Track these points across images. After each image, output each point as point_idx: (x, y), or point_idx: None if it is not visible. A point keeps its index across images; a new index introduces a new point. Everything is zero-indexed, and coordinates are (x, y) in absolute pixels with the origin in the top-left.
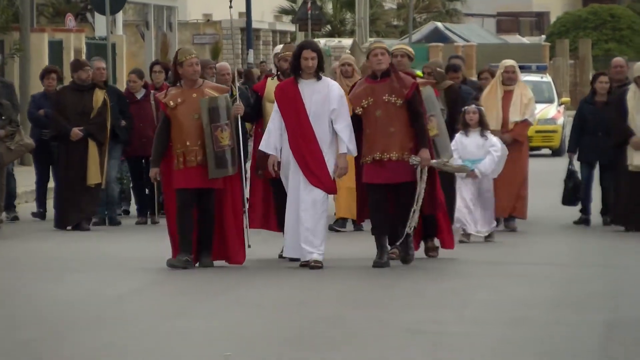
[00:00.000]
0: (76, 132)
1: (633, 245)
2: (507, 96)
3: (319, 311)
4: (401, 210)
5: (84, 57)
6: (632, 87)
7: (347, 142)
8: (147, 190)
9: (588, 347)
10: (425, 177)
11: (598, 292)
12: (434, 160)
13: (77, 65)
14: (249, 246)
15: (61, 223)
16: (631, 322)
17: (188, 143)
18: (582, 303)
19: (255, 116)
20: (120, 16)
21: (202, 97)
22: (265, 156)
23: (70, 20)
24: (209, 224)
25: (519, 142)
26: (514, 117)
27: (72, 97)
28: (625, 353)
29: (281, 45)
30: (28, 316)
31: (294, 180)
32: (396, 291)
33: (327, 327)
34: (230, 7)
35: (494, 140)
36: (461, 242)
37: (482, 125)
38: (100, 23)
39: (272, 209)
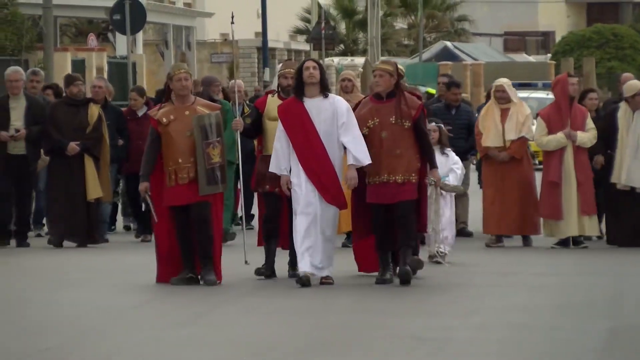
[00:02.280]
0: (73, 146)
1: (632, 254)
2: (504, 114)
3: (328, 319)
4: (400, 224)
5: (105, 75)
6: (622, 106)
7: (355, 152)
8: (143, 207)
9: (590, 353)
10: (438, 196)
11: (600, 300)
12: (431, 178)
13: (68, 80)
14: (247, 262)
15: (60, 239)
16: (633, 329)
17: (180, 160)
18: (584, 310)
19: (255, 133)
20: (140, 36)
21: (195, 114)
22: (265, 175)
23: (92, 40)
24: (208, 235)
25: (517, 160)
26: (510, 135)
27: (67, 112)
28: (627, 356)
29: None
30: (38, 326)
31: (309, 197)
32: (403, 299)
33: (335, 334)
34: (232, 22)
35: (455, 157)
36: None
37: (442, 142)
38: (121, 43)
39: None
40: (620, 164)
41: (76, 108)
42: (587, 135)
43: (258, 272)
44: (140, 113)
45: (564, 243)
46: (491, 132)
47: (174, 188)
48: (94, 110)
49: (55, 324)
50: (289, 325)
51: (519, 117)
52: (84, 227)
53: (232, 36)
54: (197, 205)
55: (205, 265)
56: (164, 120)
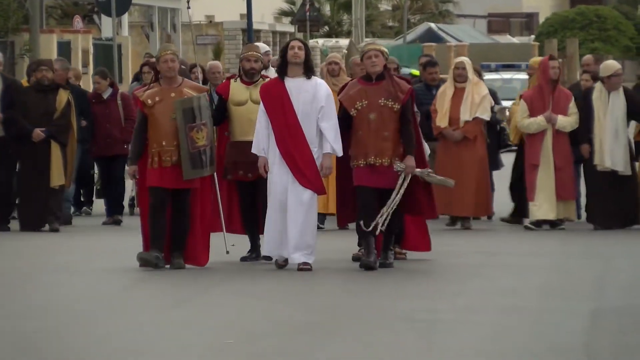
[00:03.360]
0: (38, 132)
1: (614, 236)
2: (458, 94)
3: (316, 301)
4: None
5: (91, 57)
6: (597, 87)
7: (332, 142)
8: (133, 191)
9: (574, 334)
10: (405, 184)
11: (583, 282)
12: (418, 170)
13: (35, 66)
14: (227, 252)
15: (27, 226)
16: (615, 310)
17: (164, 143)
18: (568, 292)
19: (220, 119)
20: (125, 18)
21: (180, 97)
22: (238, 162)
23: (77, 22)
24: (184, 224)
25: (470, 139)
26: (465, 116)
27: (35, 97)
28: (610, 340)
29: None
30: (28, 309)
31: (281, 181)
32: (391, 281)
33: (324, 316)
34: (189, 7)
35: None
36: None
37: None
38: (106, 24)
39: (236, 211)
40: (601, 147)
41: (44, 94)
42: (568, 120)
43: (244, 259)
44: (105, 95)
45: (539, 224)
46: (442, 113)
47: (157, 170)
48: (63, 96)
49: (45, 306)
50: (277, 308)
51: (474, 97)
52: (39, 213)
53: (190, 19)
54: (177, 193)
55: (176, 250)
56: (149, 101)
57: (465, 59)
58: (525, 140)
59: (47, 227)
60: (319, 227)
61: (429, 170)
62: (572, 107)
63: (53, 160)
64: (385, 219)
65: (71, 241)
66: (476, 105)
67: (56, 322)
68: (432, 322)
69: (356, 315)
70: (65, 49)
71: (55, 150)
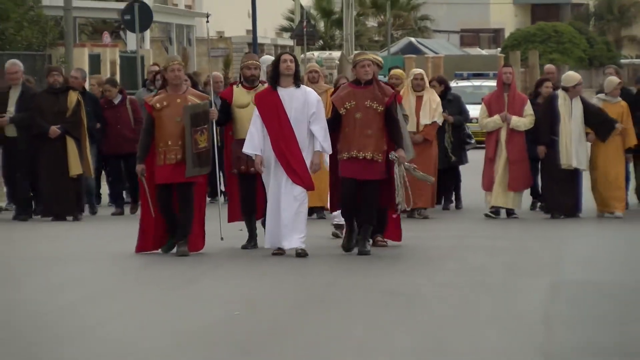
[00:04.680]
0: (54, 130)
1: (567, 223)
2: (418, 101)
3: (312, 279)
4: (364, 203)
5: (117, 68)
6: (561, 94)
7: (322, 141)
8: (127, 184)
9: (535, 304)
10: (402, 172)
11: (543, 260)
12: (406, 164)
13: (47, 72)
14: (222, 239)
15: (47, 213)
16: (571, 284)
17: (170, 142)
18: (530, 269)
19: (225, 120)
20: (147, 34)
21: (185, 103)
22: (241, 157)
23: (106, 37)
24: (188, 214)
25: (429, 141)
26: (424, 120)
27: (48, 99)
28: (565, 310)
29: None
30: (53, 287)
31: (277, 178)
32: (376, 262)
33: (320, 292)
34: (207, 21)
35: None
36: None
37: None
38: (131, 39)
39: (236, 201)
40: (566, 148)
41: (56, 96)
42: (523, 120)
43: (244, 247)
44: (115, 101)
45: (497, 212)
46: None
47: (163, 167)
48: (73, 97)
49: (65, 285)
50: (277, 286)
51: (431, 104)
52: (71, 202)
53: (208, 33)
54: (181, 185)
55: (181, 239)
56: (158, 105)
57: (421, 71)
58: (485, 137)
59: (70, 217)
60: (320, 217)
61: (414, 165)
62: (528, 109)
63: (70, 153)
64: (400, 201)
65: (92, 228)
66: (433, 110)
67: (79, 298)
68: (412, 296)
69: (347, 290)
70: (95, 61)
71: (71, 144)
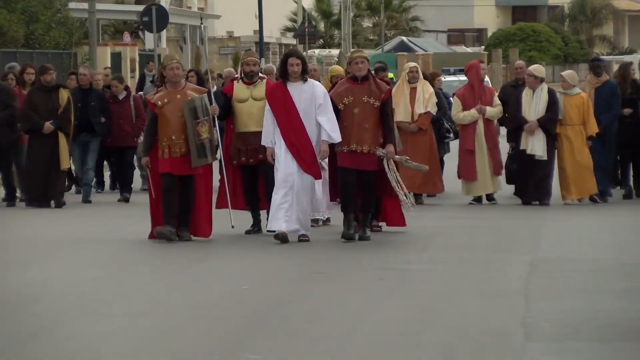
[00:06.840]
0: (48, 125)
1: (542, 207)
2: (412, 92)
3: (313, 256)
4: (363, 192)
5: (137, 65)
6: (526, 87)
7: (329, 130)
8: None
9: (515, 279)
10: (392, 166)
11: (522, 239)
12: (397, 156)
13: (42, 70)
14: (233, 226)
15: (35, 202)
16: (547, 260)
17: (173, 137)
18: (510, 246)
19: (226, 114)
20: (164, 34)
21: (185, 99)
22: (241, 149)
23: (126, 37)
24: (190, 204)
25: (424, 130)
26: (419, 109)
27: (41, 96)
28: (543, 284)
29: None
30: (83, 263)
31: (287, 168)
32: (373, 241)
33: (320, 267)
34: (201, 24)
35: None
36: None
37: None
38: (149, 39)
39: (239, 191)
40: (526, 135)
41: (48, 93)
42: (495, 110)
43: (248, 232)
44: (121, 97)
45: (479, 200)
46: (401, 108)
47: (168, 160)
48: (64, 95)
49: (90, 263)
50: (281, 263)
51: (424, 94)
52: (57, 192)
53: (205, 41)
54: (183, 179)
55: (183, 226)
56: (159, 103)
57: (416, 64)
58: (459, 129)
59: (52, 203)
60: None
61: (407, 157)
62: (496, 99)
63: (61, 148)
64: (403, 193)
65: (97, 214)
66: (426, 100)
67: (103, 273)
68: (403, 271)
69: (345, 266)
70: (116, 59)
71: (62, 139)
